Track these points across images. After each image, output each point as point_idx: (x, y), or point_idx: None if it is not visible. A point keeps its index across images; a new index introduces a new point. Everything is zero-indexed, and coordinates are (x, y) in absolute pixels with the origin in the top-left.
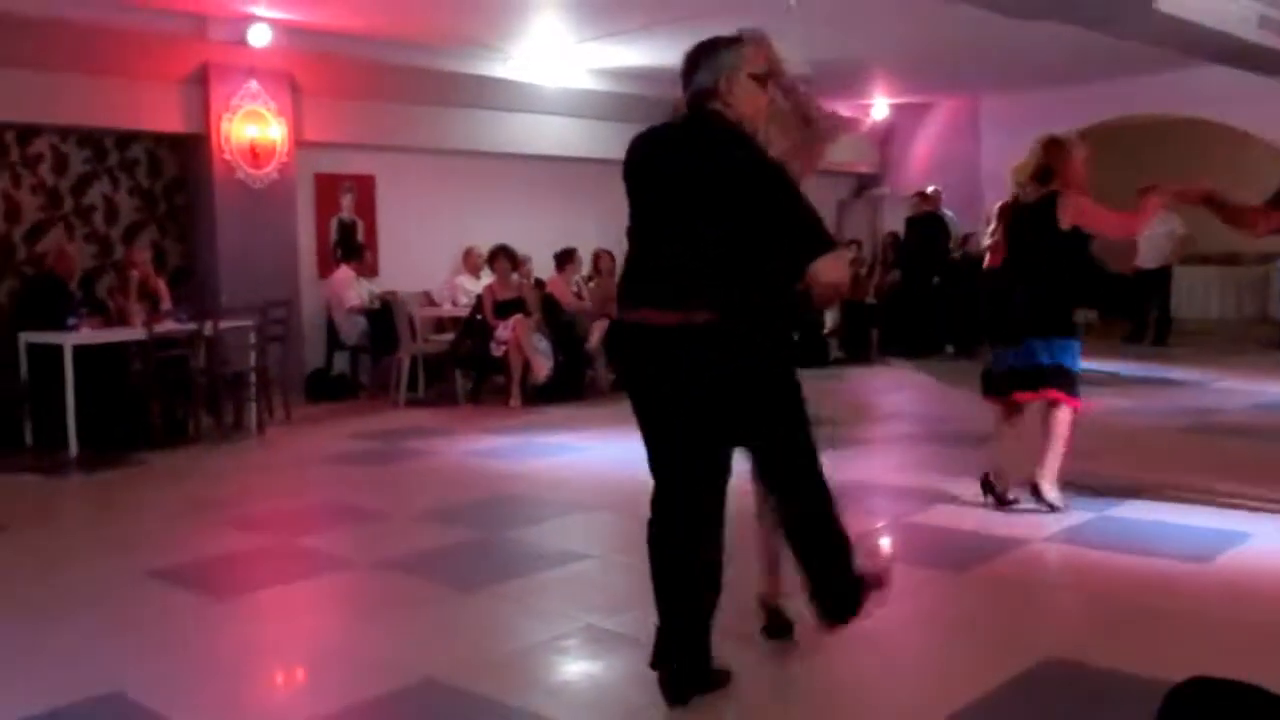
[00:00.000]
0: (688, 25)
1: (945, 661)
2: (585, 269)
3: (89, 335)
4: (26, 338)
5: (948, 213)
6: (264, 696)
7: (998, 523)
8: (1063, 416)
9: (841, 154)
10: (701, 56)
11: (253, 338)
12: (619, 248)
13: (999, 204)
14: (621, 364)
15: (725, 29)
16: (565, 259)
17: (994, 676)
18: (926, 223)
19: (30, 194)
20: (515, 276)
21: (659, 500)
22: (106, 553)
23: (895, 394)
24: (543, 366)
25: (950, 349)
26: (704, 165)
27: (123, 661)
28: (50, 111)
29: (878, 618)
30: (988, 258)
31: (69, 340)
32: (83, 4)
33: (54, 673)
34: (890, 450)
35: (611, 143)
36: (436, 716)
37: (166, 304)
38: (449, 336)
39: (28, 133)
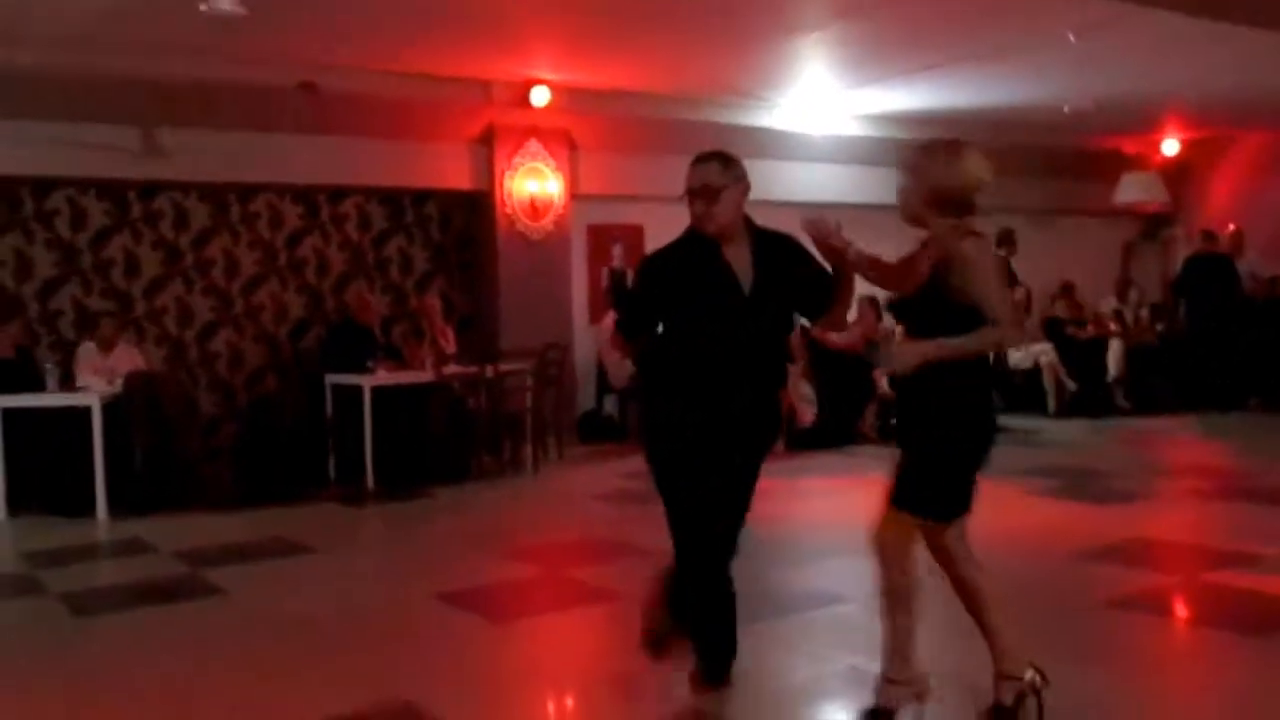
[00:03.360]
0: (963, 67)
1: None
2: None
3: (384, 377)
4: (331, 379)
5: (1251, 256)
6: (542, 715)
7: None
8: None
9: (1128, 194)
10: None
11: (529, 381)
12: (882, 293)
13: None
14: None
15: (1003, 69)
16: None
17: None
18: (1207, 263)
19: (338, 249)
20: None
21: None
22: (398, 576)
23: (1184, 447)
24: (807, 412)
25: (1254, 401)
26: None
27: (412, 674)
28: (358, 174)
29: (1169, 680)
30: None
31: (368, 382)
32: (387, 78)
33: (351, 681)
34: (1178, 506)
35: (879, 188)
36: None
37: (452, 349)
38: None
39: (337, 194)
